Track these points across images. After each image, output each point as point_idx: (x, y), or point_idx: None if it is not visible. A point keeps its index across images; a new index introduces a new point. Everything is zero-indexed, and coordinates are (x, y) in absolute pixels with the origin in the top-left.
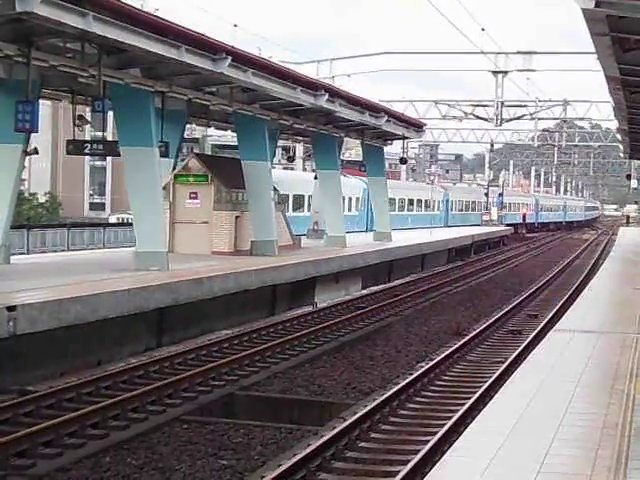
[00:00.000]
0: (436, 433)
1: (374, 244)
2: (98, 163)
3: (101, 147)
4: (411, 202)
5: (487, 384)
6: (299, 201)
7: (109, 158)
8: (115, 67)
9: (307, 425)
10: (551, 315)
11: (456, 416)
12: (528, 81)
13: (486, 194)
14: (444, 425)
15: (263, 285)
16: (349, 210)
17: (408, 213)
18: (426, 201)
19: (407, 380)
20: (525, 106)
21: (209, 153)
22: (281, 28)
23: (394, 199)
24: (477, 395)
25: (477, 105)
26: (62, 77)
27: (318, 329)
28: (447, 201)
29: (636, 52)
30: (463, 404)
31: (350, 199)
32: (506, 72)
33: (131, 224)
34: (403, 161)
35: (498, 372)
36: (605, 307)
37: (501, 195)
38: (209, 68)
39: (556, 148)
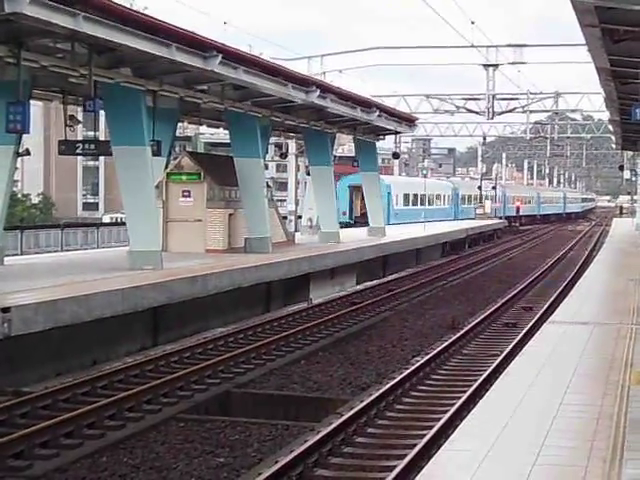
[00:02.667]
0: (432, 427)
1: (368, 239)
2: (91, 163)
3: (93, 147)
4: (476, 197)
5: (483, 377)
6: (440, 198)
7: (102, 158)
8: (106, 66)
9: (303, 421)
10: (546, 307)
11: (452, 410)
12: (519, 74)
13: (479, 187)
14: (440, 419)
15: (257, 282)
16: (443, 204)
17: (474, 205)
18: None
19: (403, 374)
20: (517, 99)
21: (202, 151)
22: (271, 25)
23: (470, 195)
24: (473, 388)
25: (469, 99)
26: (53, 77)
27: (313, 325)
28: (504, 195)
29: (626, 43)
30: (459, 397)
31: (444, 196)
32: (497, 65)
33: (124, 223)
34: (396, 156)
35: (493, 365)
36: (599, 298)
37: (492, 188)
38: (200, 66)
39: (548, 140)
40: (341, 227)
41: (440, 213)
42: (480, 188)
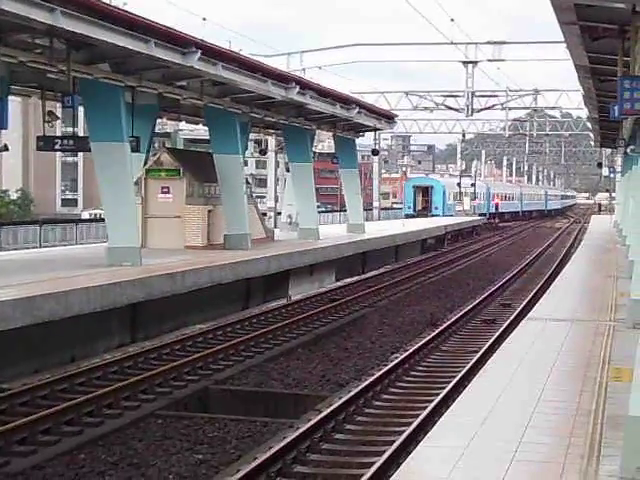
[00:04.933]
0: (411, 424)
1: (347, 236)
2: (70, 159)
3: (72, 143)
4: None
5: (461, 374)
6: (477, 195)
7: (81, 154)
8: (84, 62)
9: (282, 418)
10: (524, 304)
11: (430, 406)
12: (498, 71)
13: (458, 184)
14: (418, 416)
15: (236, 279)
16: (480, 200)
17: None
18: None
19: (382, 371)
20: (496, 96)
21: (181, 147)
22: (250, 21)
23: (498, 193)
24: (451, 385)
25: (448, 96)
26: (31, 73)
27: (292, 322)
28: (521, 194)
29: (605, 40)
30: (437, 394)
31: (480, 194)
32: (476, 62)
33: (103, 220)
34: (375, 152)
35: (472, 362)
36: (578, 295)
37: (471, 185)
38: (179, 62)
39: (527, 137)
40: (407, 218)
41: (477, 207)
42: (459, 185)
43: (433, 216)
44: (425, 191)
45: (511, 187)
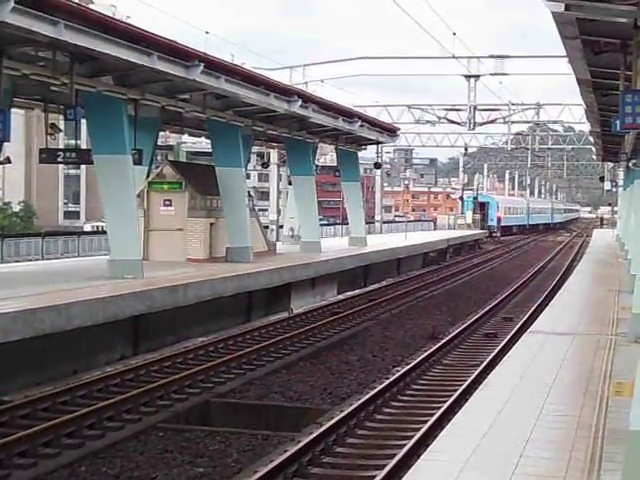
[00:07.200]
0: (412, 437)
1: (349, 249)
2: (72, 171)
3: (74, 155)
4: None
5: (463, 387)
6: (520, 210)
7: (83, 166)
8: (87, 75)
9: (283, 431)
10: (526, 317)
11: (432, 420)
12: (500, 85)
13: (460, 197)
14: (420, 429)
15: (238, 292)
16: (522, 214)
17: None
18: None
19: (383, 384)
20: (498, 110)
21: (183, 160)
22: (252, 34)
23: (535, 207)
24: (453, 398)
25: (450, 109)
26: (34, 85)
27: (294, 335)
28: (552, 208)
29: (607, 55)
30: (439, 407)
31: (522, 208)
32: (478, 76)
33: (106, 232)
34: (378, 166)
35: (473, 375)
36: (579, 309)
37: (474, 199)
38: (182, 75)
39: (529, 151)
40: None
41: (520, 219)
42: (462, 199)
43: (489, 227)
44: (482, 206)
45: (544, 202)
